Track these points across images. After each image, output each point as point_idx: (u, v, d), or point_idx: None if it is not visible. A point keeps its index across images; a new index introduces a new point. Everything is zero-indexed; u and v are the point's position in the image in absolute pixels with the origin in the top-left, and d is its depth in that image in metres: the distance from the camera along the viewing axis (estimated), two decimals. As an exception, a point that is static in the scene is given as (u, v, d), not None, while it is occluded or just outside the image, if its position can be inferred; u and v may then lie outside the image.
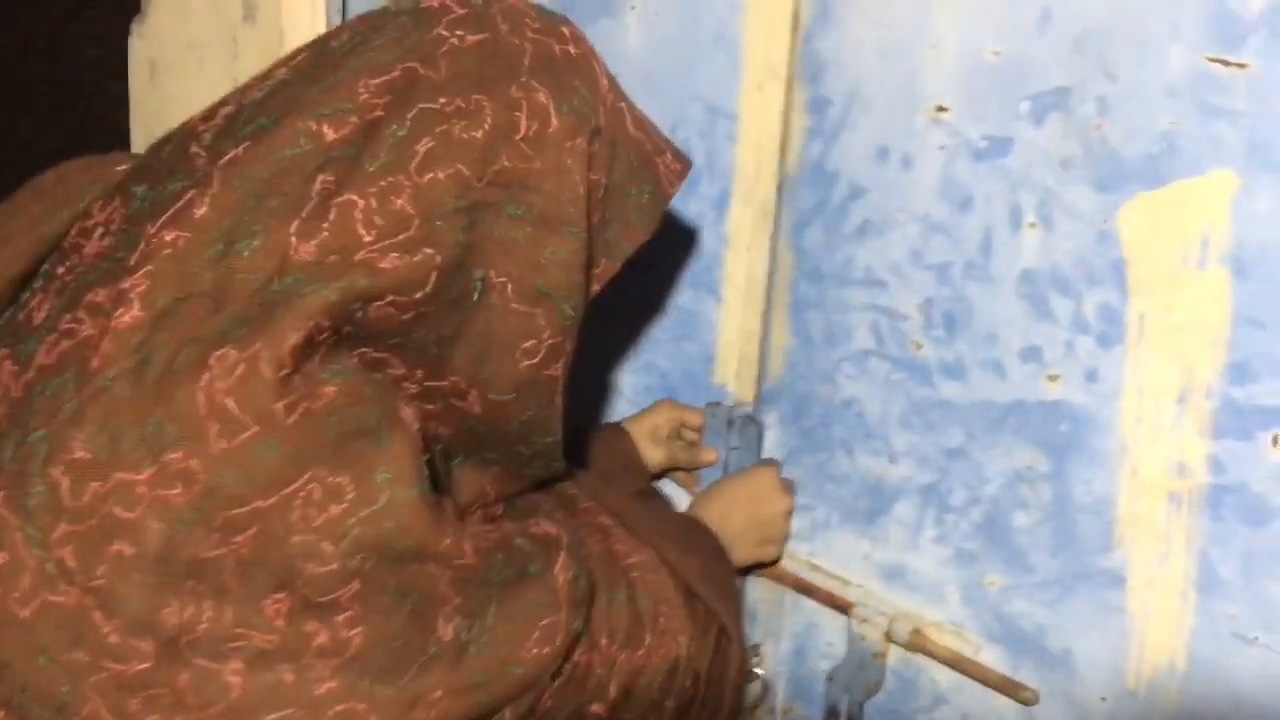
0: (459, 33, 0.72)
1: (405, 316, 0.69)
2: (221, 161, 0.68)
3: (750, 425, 1.18)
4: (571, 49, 0.76)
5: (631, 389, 1.28)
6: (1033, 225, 0.94)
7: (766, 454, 1.19)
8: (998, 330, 0.98)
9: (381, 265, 0.67)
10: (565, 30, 0.77)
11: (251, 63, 1.40)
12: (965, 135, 0.98)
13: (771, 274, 1.16)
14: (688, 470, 1.24)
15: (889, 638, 1.08)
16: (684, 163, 0.84)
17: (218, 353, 0.63)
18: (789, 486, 1.15)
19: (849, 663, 1.12)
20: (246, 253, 0.65)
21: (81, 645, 0.62)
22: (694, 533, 1.02)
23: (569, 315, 0.74)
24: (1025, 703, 0.99)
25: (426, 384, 0.73)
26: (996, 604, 1.01)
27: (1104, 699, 0.94)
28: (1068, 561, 0.95)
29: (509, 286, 0.72)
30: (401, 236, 0.67)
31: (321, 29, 1.30)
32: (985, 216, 0.97)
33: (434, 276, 0.69)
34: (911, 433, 1.06)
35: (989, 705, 1.03)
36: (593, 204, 0.75)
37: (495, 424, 0.77)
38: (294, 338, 0.64)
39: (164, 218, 0.67)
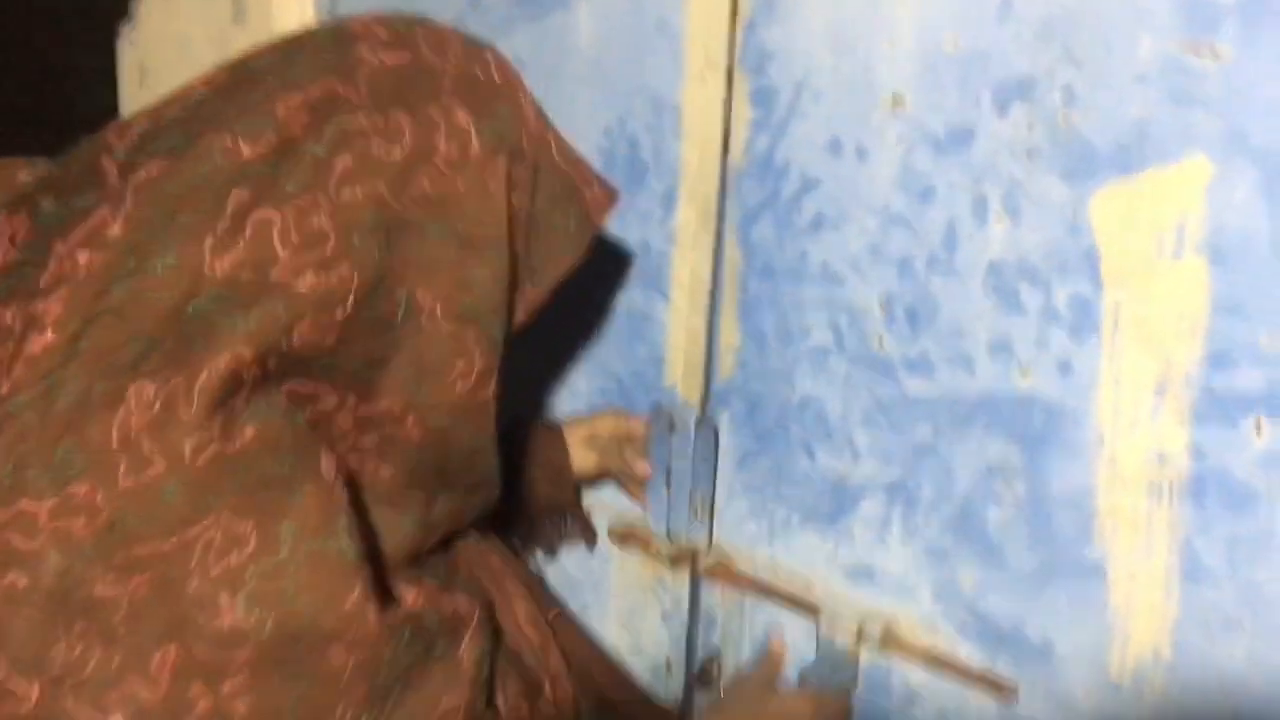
0: (380, 55, 0.72)
1: (329, 340, 0.66)
2: (134, 178, 0.66)
3: (704, 427, 1.14)
4: (495, 75, 0.76)
5: (586, 392, 1.23)
6: (999, 217, 0.92)
7: (722, 457, 1.15)
8: (965, 324, 0.96)
9: (298, 289, 0.64)
10: (489, 56, 0.78)
11: None
12: (924, 126, 0.95)
13: (718, 272, 1.12)
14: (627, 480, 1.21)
15: (860, 637, 1.06)
16: (611, 192, 0.84)
17: (134, 386, 0.61)
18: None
19: (820, 665, 1.10)
20: (160, 269, 0.63)
21: None
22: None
23: (494, 338, 0.73)
24: (1004, 697, 0.98)
25: (360, 412, 0.70)
26: (971, 600, 1.00)
27: (1087, 692, 0.93)
28: (1045, 555, 0.94)
29: (438, 308, 0.70)
30: (317, 254, 0.65)
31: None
32: (948, 209, 0.95)
33: (352, 296, 0.66)
34: (876, 430, 1.03)
35: (965, 701, 1.02)
36: (515, 228, 0.74)
37: (436, 454, 0.74)
38: (213, 373, 0.62)
39: (75, 235, 0.65)
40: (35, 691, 0.60)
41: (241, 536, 0.62)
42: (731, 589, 1.18)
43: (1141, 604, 0.89)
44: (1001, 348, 0.94)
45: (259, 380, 0.64)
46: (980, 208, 0.93)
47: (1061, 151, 0.88)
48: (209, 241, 0.64)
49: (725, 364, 1.14)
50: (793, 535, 1.12)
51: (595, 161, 1.18)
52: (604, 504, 1.26)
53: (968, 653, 1.01)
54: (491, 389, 0.74)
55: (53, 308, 0.63)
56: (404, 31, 0.74)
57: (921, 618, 1.04)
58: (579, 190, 0.81)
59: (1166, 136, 0.83)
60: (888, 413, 1.02)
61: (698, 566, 1.19)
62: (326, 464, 0.66)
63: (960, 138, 0.93)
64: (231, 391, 0.63)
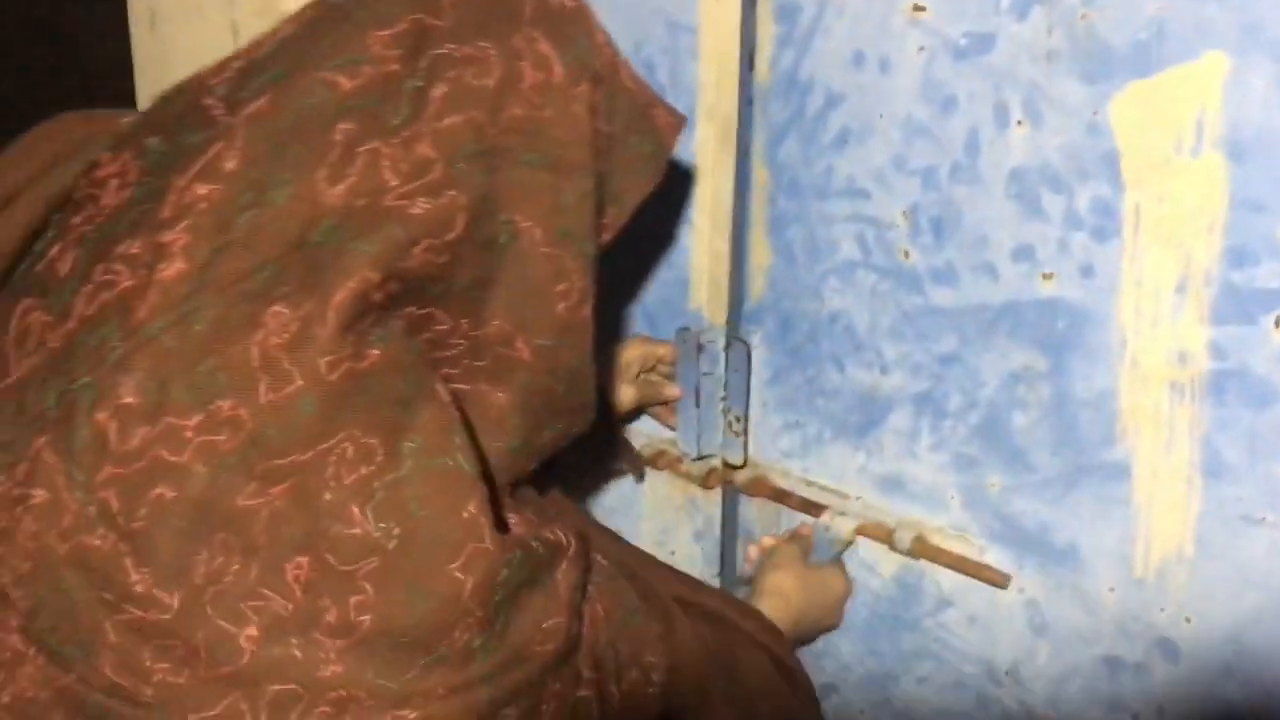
0: None
1: (442, 260, 0.69)
2: (243, 113, 0.69)
3: (737, 346, 1.16)
4: (567, 1, 0.77)
5: (611, 320, 1.26)
6: (1020, 122, 0.92)
7: (755, 374, 1.18)
8: (988, 232, 0.97)
9: (412, 212, 0.67)
10: None
11: (249, 5, 1.39)
12: (945, 34, 0.95)
13: (742, 192, 1.14)
14: (662, 405, 1.23)
15: (892, 547, 1.08)
16: (678, 116, 0.85)
17: (270, 310, 0.64)
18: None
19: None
20: (280, 200, 0.66)
21: (109, 589, 0.63)
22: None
23: (589, 258, 0.75)
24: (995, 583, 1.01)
25: (473, 334, 0.74)
26: (998, 505, 1.01)
27: (1112, 589, 0.95)
28: (1070, 458, 0.95)
29: (536, 231, 0.73)
30: (425, 180, 0.68)
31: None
32: (970, 117, 0.95)
33: (461, 217, 0.69)
34: (903, 342, 1.05)
35: (995, 604, 1.04)
36: (598, 152, 0.76)
37: (546, 375, 0.77)
38: (345, 295, 0.65)
39: (192, 169, 0.67)
40: (177, 601, 0.62)
41: (370, 450, 0.65)
42: (768, 503, 1.20)
43: (1164, 502, 0.90)
44: (1024, 254, 0.95)
45: (382, 305, 0.68)
46: (1001, 114, 0.93)
47: (1080, 53, 0.88)
48: (322, 172, 0.67)
49: (756, 283, 1.16)
50: (825, 448, 1.14)
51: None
52: (632, 427, 1.29)
53: (996, 559, 1.03)
54: (590, 308, 0.77)
55: (180, 238, 0.66)
56: None
57: (951, 524, 1.06)
58: (649, 112, 0.83)
59: (1183, 33, 0.83)
60: (914, 323, 1.04)
61: (734, 483, 1.22)
62: (441, 386, 0.69)
63: (980, 44, 0.93)
64: (360, 314, 0.66)
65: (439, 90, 0.70)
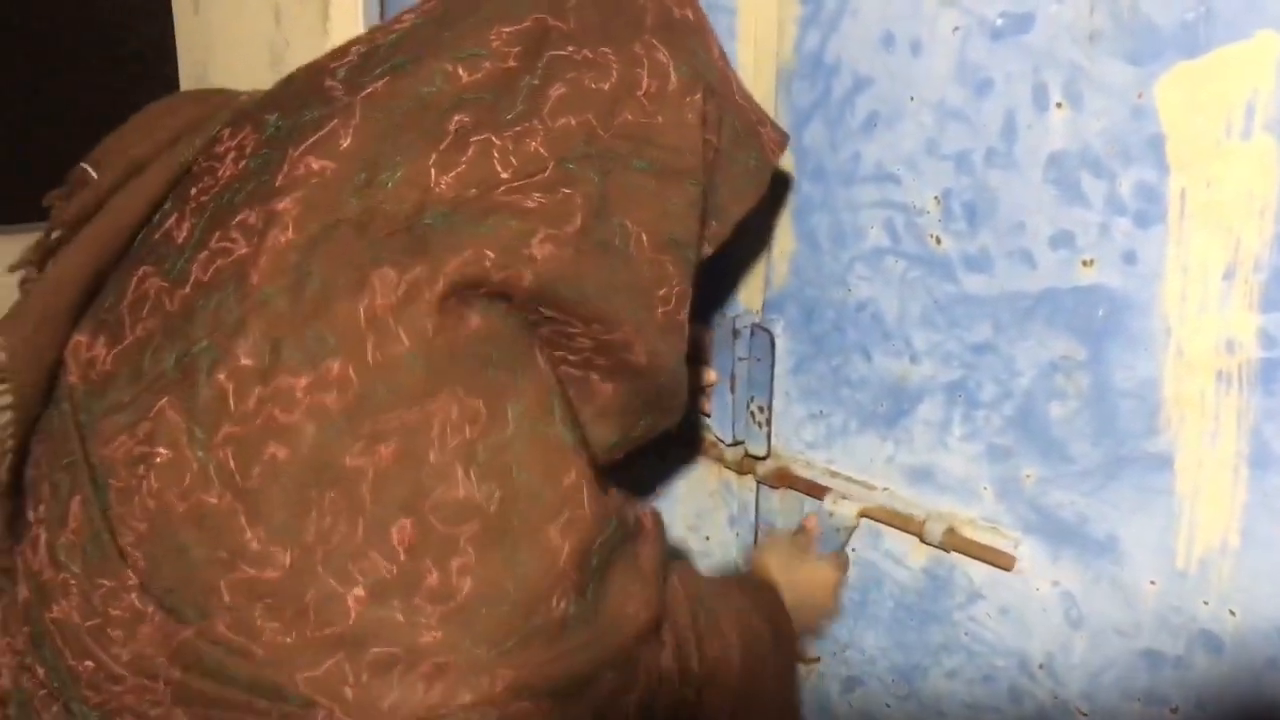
0: None
1: (566, 253, 0.69)
2: (362, 94, 0.70)
3: (760, 334, 1.14)
4: (689, 14, 0.78)
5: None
6: (1060, 105, 0.90)
7: (778, 363, 1.15)
8: (1025, 218, 0.94)
9: (526, 205, 0.68)
10: None
11: None
12: (980, 14, 0.93)
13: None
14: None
15: (922, 539, 1.06)
16: (782, 134, 0.86)
17: (376, 273, 0.66)
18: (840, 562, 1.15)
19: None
20: (390, 184, 0.67)
21: (224, 546, 0.65)
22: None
23: (691, 261, 0.76)
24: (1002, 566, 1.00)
25: (605, 338, 0.74)
26: (1033, 496, 0.99)
27: (1153, 581, 0.93)
28: (1110, 448, 0.93)
29: (643, 236, 0.73)
30: (537, 178, 0.69)
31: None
32: (1006, 99, 0.93)
33: (580, 213, 0.69)
34: (934, 330, 1.03)
35: (1029, 597, 1.02)
36: (706, 163, 0.77)
37: (653, 378, 0.78)
38: (456, 264, 0.66)
39: (307, 143, 0.69)
40: (289, 559, 0.64)
41: (474, 412, 0.66)
42: (791, 494, 1.18)
43: (1209, 492, 0.89)
44: (1063, 240, 0.92)
45: (502, 291, 0.68)
46: (1040, 96, 0.91)
47: (1125, 34, 0.85)
48: (433, 158, 0.68)
49: (779, 270, 1.13)
50: (850, 439, 1.12)
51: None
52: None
53: (1031, 551, 1.01)
54: (686, 312, 0.78)
55: (291, 207, 0.67)
56: None
57: (983, 516, 1.04)
58: (756, 129, 0.83)
59: (1234, 12, 0.80)
60: (946, 312, 1.01)
61: (757, 473, 1.20)
62: (541, 358, 0.70)
63: (1018, 24, 0.91)
64: (471, 285, 0.67)
65: (556, 90, 0.70)
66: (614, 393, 0.77)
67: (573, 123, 0.70)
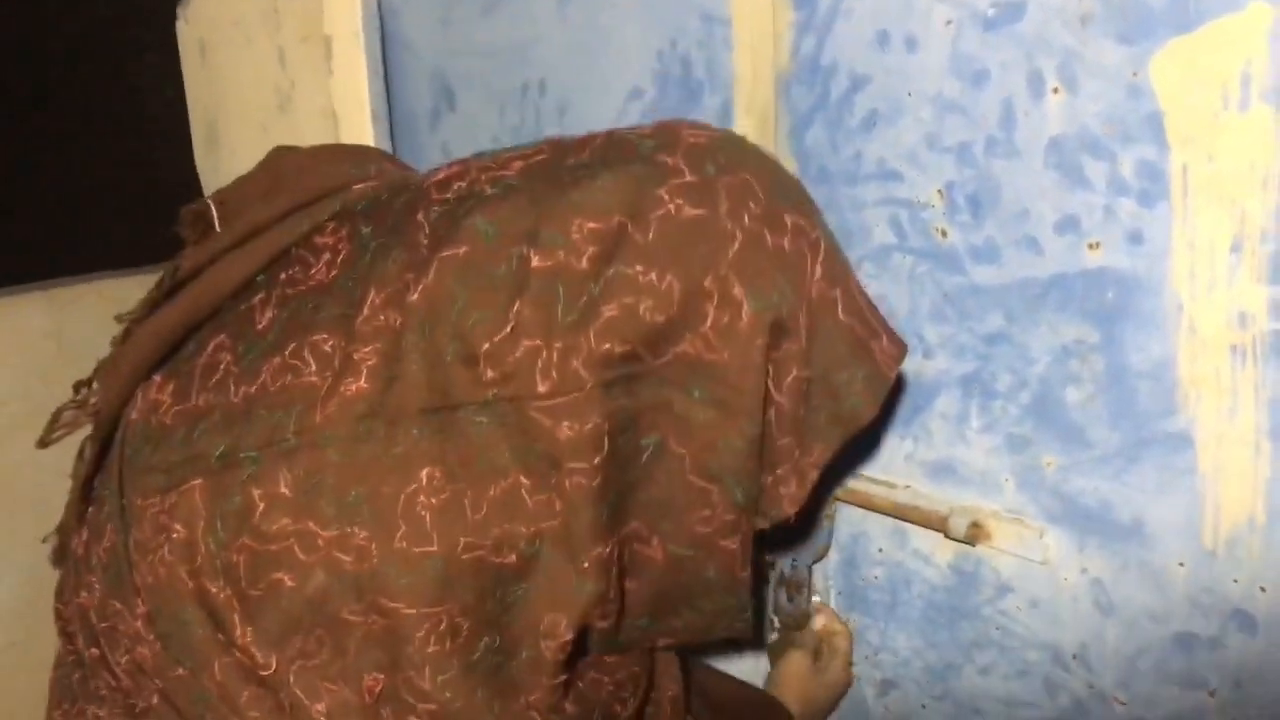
0: (678, 201, 0.70)
1: (595, 483, 0.70)
2: (440, 254, 0.70)
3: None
4: (786, 243, 0.73)
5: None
6: (1056, 90, 0.90)
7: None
8: (1029, 205, 0.94)
9: (559, 435, 0.68)
10: (788, 220, 0.74)
11: (294, 31, 1.44)
12: (972, 6, 0.93)
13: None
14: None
15: (946, 534, 1.05)
16: (900, 345, 0.82)
17: (426, 470, 0.69)
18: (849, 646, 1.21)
19: (798, 527, 1.14)
20: (448, 357, 0.69)
21: (221, 632, 0.70)
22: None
23: (740, 499, 0.74)
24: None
25: (620, 533, 0.75)
26: (1056, 484, 0.99)
27: (1181, 563, 0.92)
28: (1129, 431, 0.93)
29: (686, 460, 0.73)
30: (573, 396, 0.68)
31: (358, -1, 1.37)
32: (1003, 88, 0.93)
33: (606, 439, 0.69)
34: (945, 323, 1.03)
35: (1058, 587, 1.01)
36: (798, 398, 0.74)
37: (679, 577, 0.78)
38: (495, 490, 0.69)
39: (387, 289, 0.71)
40: (274, 661, 0.70)
41: (457, 630, 0.70)
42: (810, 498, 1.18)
43: (1231, 469, 0.88)
44: (1069, 224, 0.92)
45: (539, 514, 0.70)
46: (1036, 83, 0.91)
47: (1115, 14, 0.86)
48: (486, 347, 0.69)
49: (789, 274, 1.14)
50: (870, 438, 1.12)
51: (650, 86, 1.18)
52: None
53: (1056, 540, 1.00)
54: (735, 542, 0.76)
55: (369, 358, 0.70)
56: (712, 179, 0.72)
57: (1007, 508, 1.03)
58: (866, 345, 0.79)
59: (1224, -15, 0.81)
60: (956, 304, 1.01)
61: (777, 480, 1.20)
62: (550, 622, 0.72)
63: (1009, 13, 0.91)
64: (512, 514, 0.70)
65: (609, 310, 0.68)
66: (637, 590, 0.77)
67: (616, 351, 0.69)
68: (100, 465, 0.82)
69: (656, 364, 0.70)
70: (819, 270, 0.75)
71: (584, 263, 0.69)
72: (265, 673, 0.70)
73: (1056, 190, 0.92)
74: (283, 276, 0.78)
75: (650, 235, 0.69)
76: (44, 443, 0.87)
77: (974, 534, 1.04)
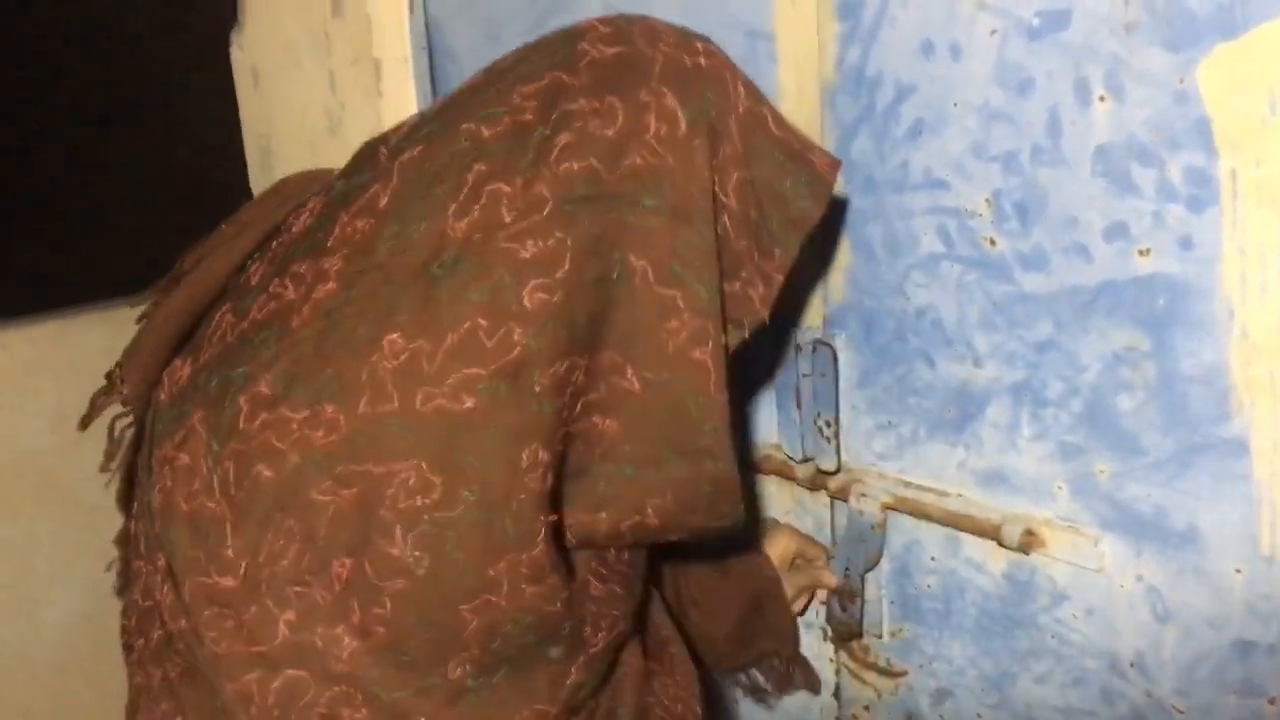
0: (599, 47, 0.79)
1: (556, 298, 0.73)
2: (400, 160, 0.79)
3: (822, 349, 1.15)
4: (702, 60, 0.81)
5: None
6: (1102, 98, 0.90)
7: (842, 377, 1.16)
8: (1077, 213, 0.94)
9: (521, 256, 0.72)
10: (698, 44, 0.83)
11: (344, 55, 1.48)
12: (1016, 15, 0.94)
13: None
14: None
15: (1000, 543, 1.05)
16: (833, 157, 0.88)
17: (389, 337, 0.72)
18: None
19: (849, 536, 1.16)
20: (415, 234, 0.74)
21: (203, 548, 0.74)
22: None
23: (704, 297, 0.77)
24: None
25: (589, 366, 0.77)
26: (1109, 492, 0.98)
27: (1238, 569, 0.92)
28: (1183, 437, 0.92)
29: (649, 271, 0.76)
30: (536, 219, 0.73)
31: (405, 17, 1.45)
32: (1049, 96, 0.93)
33: (569, 255, 0.73)
34: (995, 332, 1.03)
35: (1114, 595, 1.01)
36: (746, 199, 0.81)
37: (658, 408, 0.79)
38: (454, 340, 0.71)
39: (354, 206, 0.79)
40: (243, 570, 0.73)
41: (430, 485, 0.71)
42: (864, 507, 1.18)
43: (1288, 474, 0.87)
44: (1117, 231, 0.92)
45: (501, 349, 0.72)
46: (1082, 91, 0.91)
47: (1161, 21, 0.86)
48: (452, 208, 0.74)
49: (837, 285, 1.14)
50: (920, 447, 1.12)
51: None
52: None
53: (1111, 548, 0.99)
54: (706, 351, 0.78)
55: (336, 263, 0.76)
56: (623, 27, 0.81)
57: (1060, 516, 1.03)
58: (803, 155, 0.86)
59: (1271, -10, 0.80)
60: (1005, 312, 1.01)
61: (829, 489, 1.20)
62: (529, 454, 0.73)
63: (1054, 21, 0.91)
64: (470, 359, 0.71)
65: (563, 139, 0.75)
66: (618, 429, 0.78)
67: (575, 167, 0.74)
68: (139, 448, 0.88)
69: (611, 179, 0.75)
70: (742, 90, 0.83)
71: (530, 115, 0.76)
72: (231, 585, 0.72)
73: (1104, 197, 0.92)
74: (274, 244, 0.86)
75: (583, 77, 0.77)
76: (84, 424, 0.92)
77: (1028, 542, 1.04)
